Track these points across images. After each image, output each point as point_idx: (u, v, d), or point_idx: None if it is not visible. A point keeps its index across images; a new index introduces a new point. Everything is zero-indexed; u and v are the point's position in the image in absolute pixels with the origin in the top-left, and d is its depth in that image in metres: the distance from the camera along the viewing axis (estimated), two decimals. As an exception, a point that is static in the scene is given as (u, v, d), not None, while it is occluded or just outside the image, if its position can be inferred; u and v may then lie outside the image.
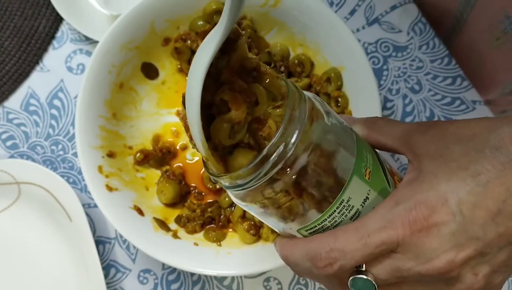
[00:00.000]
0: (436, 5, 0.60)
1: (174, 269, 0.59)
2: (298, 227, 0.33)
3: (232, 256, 0.53)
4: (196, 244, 0.54)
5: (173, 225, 0.55)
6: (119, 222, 0.52)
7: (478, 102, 0.59)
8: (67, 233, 0.58)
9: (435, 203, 0.29)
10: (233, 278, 0.58)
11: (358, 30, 0.62)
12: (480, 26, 0.55)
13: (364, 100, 0.54)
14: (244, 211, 0.54)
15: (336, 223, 0.33)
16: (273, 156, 0.30)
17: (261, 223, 0.53)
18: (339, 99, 0.54)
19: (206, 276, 0.59)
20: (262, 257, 0.52)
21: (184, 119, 0.31)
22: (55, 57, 0.63)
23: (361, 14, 0.62)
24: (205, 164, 0.33)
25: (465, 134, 0.31)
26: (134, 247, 0.59)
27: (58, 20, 0.64)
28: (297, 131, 0.30)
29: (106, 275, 0.59)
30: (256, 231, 0.53)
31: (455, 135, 0.31)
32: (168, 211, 0.56)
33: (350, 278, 0.31)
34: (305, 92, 0.33)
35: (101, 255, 0.59)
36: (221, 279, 0.58)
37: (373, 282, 0.31)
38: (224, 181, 0.32)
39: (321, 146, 0.31)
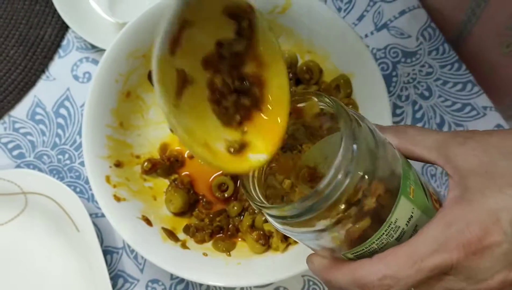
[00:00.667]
0: (442, 12, 0.60)
1: (183, 279, 0.58)
2: (344, 251, 0.33)
3: (241, 266, 0.52)
4: (205, 254, 0.53)
5: (181, 235, 0.54)
6: (128, 233, 0.51)
7: (489, 108, 0.58)
8: (74, 244, 0.57)
9: (487, 223, 0.29)
10: (242, 288, 0.58)
11: (366, 36, 0.61)
12: (488, 33, 0.55)
13: (374, 107, 0.53)
14: (253, 220, 0.53)
15: (383, 245, 0.32)
16: (329, 189, 0.29)
17: (271, 232, 0.52)
18: (350, 107, 0.54)
19: (215, 286, 0.58)
20: (272, 267, 0.51)
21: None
22: (61, 66, 0.63)
23: (370, 20, 0.61)
24: (245, 188, 0.32)
25: (509, 147, 0.31)
26: (142, 257, 0.58)
27: (64, 28, 0.63)
28: (353, 161, 0.29)
29: (114, 286, 0.58)
30: (266, 241, 0.52)
31: (499, 148, 0.31)
32: (176, 221, 0.55)
33: None
34: (350, 110, 0.32)
35: (108, 265, 0.59)
36: (230, 288, 0.58)
37: None
38: (271, 212, 0.31)
39: (375, 170, 0.30)
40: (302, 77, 0.56)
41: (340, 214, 0.30)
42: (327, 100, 0.32)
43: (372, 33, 0.61)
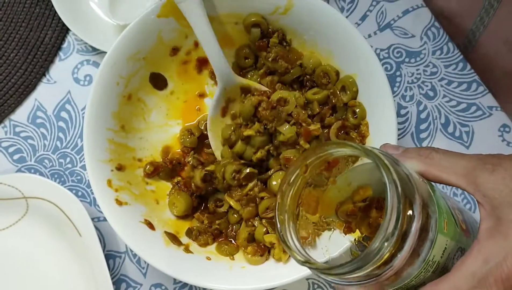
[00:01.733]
0: (451, 20, 0.59)
1: (186, 284, 0.58)
2: (384, 285, 0.33)
3: (246, 271, 0.52)
4: (208, 258, 0.52)
5: (184, 239, 0.54)
6: (130, 237, 0.51)
7: (494, 108, 0.58)
8: (76, 248, 0.57)
9: None
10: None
11: (370, 35, 0.60)
12: (495, 42, 0.54)
13: (378, 108, 0.52)
14: (249, 234, 0.53)
15: (421, 280, 0.32)
16: (377, 256, 0.29)
17: (272, 244, 0.52)
18: (356, 110, 0.53)
19: (219, 290, 0.57)
20: (277, 271, 0.51)
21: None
22: (62, 69, 0.63)
23: (373, 20, 0.61)
24: (285, 243, 0.33)
25: None
26: (145, 261, 0.58)
27: (64, 31, 0.63)
28: (395, 222, 0.29)
29: (116, 290, 0.58)
30: (263, 252, 0.52)
31: None
32: (179, 225, 0.55)
33: None
34: (385, 154, 0.32)
35: (111, 269, 0.58)
36: (234, 293, 0.57)
37: None
38: (330, 276, 0.31)
39: (416, 227, 0.30)
40: (320, 82, 0.55)
41: (387, 267, 0.30)
42: (369, 154, 0.31)
43: (375, 33, 0.60)
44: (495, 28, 0.54)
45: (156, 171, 0.56)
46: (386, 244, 0.29)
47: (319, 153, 0.33)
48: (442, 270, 0.33)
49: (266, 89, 0.54)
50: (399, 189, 0.29)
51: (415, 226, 0.29)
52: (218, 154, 0.55)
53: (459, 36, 0.59)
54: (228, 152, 0.53)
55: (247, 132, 0.52)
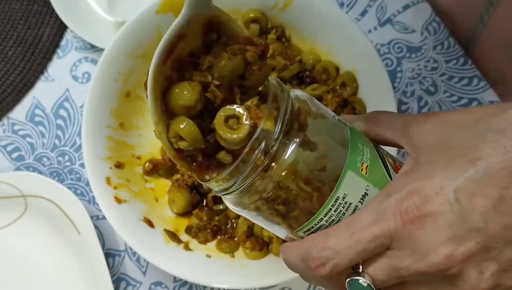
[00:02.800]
0: (454, 19, 0.58)
1: (186, 282, 0.57)
2: (294, 229, 0.32)
3: (246, 268, 0.51)
4: (208, 256, 0.52)
5: (184, 237, 0.53)
6: (129, 235, 0.50)
7: (495, 103, 0.57)
8: (75, 247, 0.56)
9: (428, 191, 0.27)
10: (247, 289, 0.57)
11: (370, 31, 0.60)
12: (495, 40, 0.54)
13: (378, 104, 0.52)
14: (248, 227, 0.52)
15: (334, 222, 0.31)
16: (255, 153, 0.28)
17: (270, 238, 0.51)
18: (356, 106, 0.52)
19: (219, 288, 0.57)
20: (277, 268, 0.50)
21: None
22: (60, 66, 0.62)
23: (373, 15, 0.60)
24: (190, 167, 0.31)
25: (467, 120, 0.29)
26: (145, 259, 0.57)
27: (62, 28, 0.62)
28: (280, 123, 0.29)
29: (116, 289, 0.57)
30: (261, 247, 0.51)
31: (456, 122, 0.29)
32: (179, 222, 0.54)
33: (347, 280, 0.29)
34: (294, 90, 0.32)
35: (110, 268, 0.58)
36: (234, 290, 0.57)
37: (370, 284, 0.29)
38: (212, 186, 0.31)
39: (308, 140, 0.29)
40: (319, 78, 0.54)
41: (272, 188, 0.29)
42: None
43: (375, 28, 0.60)
44: (496, 27, 0.53)
45: (155, 169, 0.56)
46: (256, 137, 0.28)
47: None
48: None
49: (252, 37, 0.33)
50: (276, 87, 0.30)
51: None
52: (161, 129, 0.30)
53: (459, 34, 0.59)
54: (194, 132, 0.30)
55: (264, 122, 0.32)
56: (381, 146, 0.34)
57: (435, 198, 0.27)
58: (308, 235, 0.32)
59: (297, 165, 0.29)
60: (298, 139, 0.29)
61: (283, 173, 0.29)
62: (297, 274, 0.47)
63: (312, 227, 0.31)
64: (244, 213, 0.32)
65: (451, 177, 0.27)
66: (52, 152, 0.61)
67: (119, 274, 0.58)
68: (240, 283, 0.50)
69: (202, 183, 0.31)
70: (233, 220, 0.54)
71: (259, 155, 0.29)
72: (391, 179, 0.32)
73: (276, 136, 0.29)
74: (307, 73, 0.55)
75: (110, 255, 0.58)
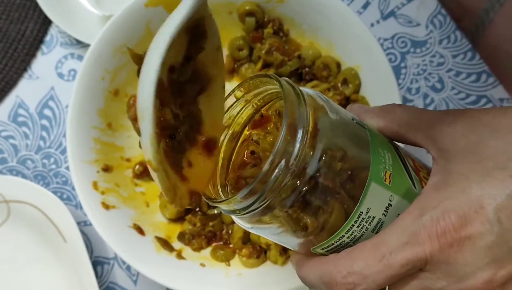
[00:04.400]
0: (460, 3, 0.55)
1: (180, 291, 0.54)
2: (312, 245, 0.29)
3: (243, 278, 0.48)
4: (202, 265, 0.49)
5: (177, 244, 0.50)
6: (118, 243, 0.47)
7: (506, 100, 0.54)
8: (61, 255, 0.53)
9: (467, 210, 0.24)
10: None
11: (372, 25, 0.57)
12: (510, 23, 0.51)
13: (383, 102, 0.48)
14: (244, 233, 0.49)
15: (356, 238, 0.28)
16: (273, 175, 0.25)
17: (268, 245, 0.48)
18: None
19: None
20: (277, 278, 0.48)
21: (134, 112, 0.27)
22: (45, 63, 0.59)
23: (375, 7, 0.57)
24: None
25: (503, 125, 0.26)
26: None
27: (46, 23, 0.59)
28: (298, 142, 0.26)
29: (105, 299, 0.54)
30: (258, 254, 0.48)
31: (490, 126, 0.26)
32: (171, 229, 0.51)
33: None
34: (304, 88, 0.28)
35: (99, 277, 0.55)
36: (230, 300, 0.54)
37: None
38: (223, 206, 0.28)
39: (329, 153, 0.26)
40: (320, 75, 0.51)
41: (291, 203, 0.26)
42: (275, 81, 0.28)
43: (378, 21, 0.57)
44: (507, 13, 0.50)
45: (146, 171, 0.52)
46: (281, 161, 0.25)
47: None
48: None
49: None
50: (299, 102, 0.26)
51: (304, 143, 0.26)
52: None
53: (468, 21, 0.55)
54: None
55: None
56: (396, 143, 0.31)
57: (475, 217, 0.24)
58: (328, 252, 0.29)
59: (319, 178, 0.26)
60: (318, 152, 0.26)
61: (304, 189, 0.26)
62: (298, 284, 0.45)
63: (332, 244, 0.28)
64: (255, 230, 0.29)
65: (491, 194, 0.24)
66: (36, 154, 0.57)
67: (108, 283, 0.55)
68: (236, 294, 0.47)
69: (210, 203, 0.28)
70: (228, 226, 0.51)
71: (279, 174, 0.25)
72: (414, 185, 0.29)
73: (296, 154, 0.26)
74: (307, 69, 0.52)
75: (98, 263, 0.55)
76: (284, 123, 0.25)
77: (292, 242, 0.30)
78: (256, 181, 0.25)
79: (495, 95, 0.54)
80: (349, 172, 0.27)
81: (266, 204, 0.26)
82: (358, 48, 0.49)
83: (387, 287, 0.27)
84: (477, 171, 0.25)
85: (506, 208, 0.24)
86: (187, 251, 0.50)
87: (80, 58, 0.59)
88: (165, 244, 0.49)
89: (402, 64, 0.56)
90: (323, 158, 0.26)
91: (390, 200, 0.28)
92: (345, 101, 0.50)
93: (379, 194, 0.27)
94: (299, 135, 0.26)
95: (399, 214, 0.27)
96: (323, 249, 0.29)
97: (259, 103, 0.31)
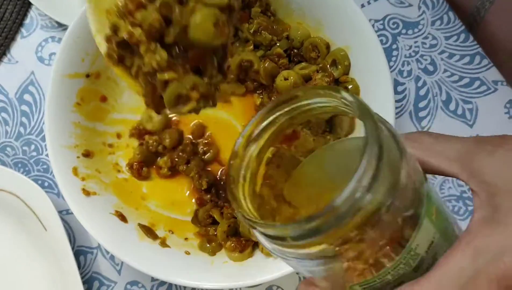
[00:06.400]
0: (452, 1, 0.54)
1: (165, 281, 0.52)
2: (351, 282, 0.27)
3: (228, 265, 0.47)
4: (187, 253, 0.47)
5: (160, 232, 0.49)
6: (99, 231, 0.46)
7: (500, 82, 0.53)
8: (42, 244, 0.51)
9: None
10: (231, 289, 0.52)
11: (363, 5, 0.55)
12: (503, 18, 0.49)
13: (373, 84, 0.47)
14: (229, 227, 0.47)
15: (399, 275, 0.26)
16: (346, 206, 0.22)
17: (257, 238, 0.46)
18: (349, 87, 0.47)
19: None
20: (263, 265, 0.46)
21: None
22: (24, 47, 0.57)
23: (366, -12, 0.55)
24: (233, 196, 0.25)
25: None
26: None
27: (26, 5, 0.57)
28: (378, 175, 0.23)
29: (88, 289, 0.52)
30: (243, 248, 0.46)
31: None
32: (154, 216, 0.50)
33: None
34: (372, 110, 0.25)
35: (82, 267, 0.53)
36: (218, 290, 0.52)
37: None
38: (268, 231, 0.24)
39: (398, 187, 0.24)
40: (308, 57, 0.49)
41: (353, 238, 0.23)
42: (347, 98, 0.25)
43: (369, 2, 0.55)
44: (499, 11, 0.49)
45: (142, 135, 0.51)
46: (358, 194, 0.22)
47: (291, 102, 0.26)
48: (426, 270, 0.26)
49: None
50: (379, 131, 0.23)
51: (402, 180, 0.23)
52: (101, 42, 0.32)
53: (463, 13, 0.54)
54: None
55: None
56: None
57: None
58: (365, 289, 0.27)
59: (383, 216, 0.23)
60: (390, 185, 0.23)
61: (362, 228, 0.23)
62: (285, 271, 0.43)
63: (375, 281, 0.26)
64: (285, 259, 0.26)
65: None
66: (16, 141, 0.55)
67: (91, 273, 0.53)
68: (223, 282, 0.45)
69: (249, 225, 0.25)
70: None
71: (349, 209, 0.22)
72: (449, 223, 0.28)
73: (370, 185, 0.22)
74: (295, 51, 0.50)
75: (81, 253, 0.53)
76: (368, 149, 0.22)
77: (323, 276, 0.27)
78: (329, 209, 0.22)
79: (488, 77, 0.53)
80: (408, 207, 0.25)
81: (324, 237, 0.23)
82: (348, 29, 0.48)
83: None
84: None
85: None
86: (171, 238, 0.49)
87: (61, 41, 0.57)
88: (149, 231, 0.48)
89: (394, 46, 0.54)
90: (393, 191, 0.23)
91: (434, 237, 0.26)
92: (334, 83, 0.48)
93: (428, 230, 0.26)
94: (380, 164, 0.23)
95: (436, 253, 0.26)
96: (362, 286, 0.27)
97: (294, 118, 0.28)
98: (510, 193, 0.24)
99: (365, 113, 0.24)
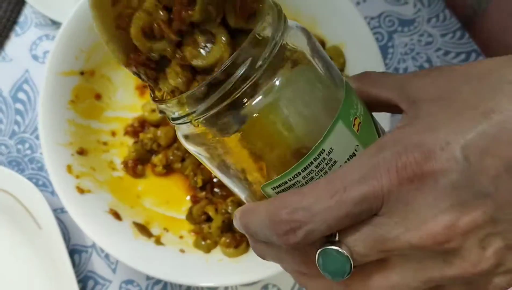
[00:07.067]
0: None
1: (160, 279, 0.52)
2: (261, 183, 0.26)
3: (223, 263, 0.47)
4: (182, 251, 0.47)
5: (155, 230, 0.48)
6: (93, 229, 0.46)
7: (495, 80, 0.53)
8: (36, 243, 0.51)
9: (432, 146, 0.22)
10: (226, 287, 0.52)
11: (358, 3, 0.55)
12: (503, 13, 0.49)
13: (368, 81, 0.47)
14: (223, 222, 0.47)
15: (313, 180, 0.25)
16: (239, 71, 0.22)
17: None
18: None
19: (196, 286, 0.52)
20: (258, 263, 0.46)
21: None
22: (19, 45, 0.57)
23: (361, -15, 0.55)
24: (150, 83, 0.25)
25: (477, 72, 0.24)
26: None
27: (20, 3, 0.57)
28: (273, 43, 0.23)
29: (83, 288, 0.52)
30: (237, 243, 0.46)
31: (464, 74, 0.24)
32: (149, 214, 0.49)
33: (318, 250, 0.23)
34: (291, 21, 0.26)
35: (77, 265, 0.53)
36: (213, 288, 0.52)
37: (348, 256, 0.23)
38: (170, 107, 0.24)
39: (300, 71, 0.24)
40: None
41: (246, 113, 0.23)
42: None
43: (364, 0, 0.55)
44: (500, 3, 0.49)
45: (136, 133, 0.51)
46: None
47: None
48: None
49: None
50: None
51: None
52: None
53: (459, 12, 0.54)
54: None
55: None
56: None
57: (440, 154, 0.22)
58: (278, 193, 0.26)
59: (279, 102, 0.23)
60: (285, 75, 0.23)
61: (262, 107, 0.23)
62: (281, 269, 0.43)
63: (286, 182, 0.25)
64: (199, 153, 0.26)
65: (459, 131, 0.22)
66: (10, 139, 0.55)
67: (86, 272, 0.53)
68: (218, 280, 0.45)
69: (157, 104, 0.25)
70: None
71: (236, 80, 0.23)
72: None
73: (260, 63, 0.23)
74: None
75: (76, 252, 0.53)
76: (258, 26, 0.23)
77: (239, 181, 0.27)
78: (219, 71, 0.22)
79: (484, 74, 0.53)
80: (318, 101, 0.25)
81: (214, 112, 0.23)
82: (343, 25, 0.48)
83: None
84: (447, 110, 0.23)
85: (476, 146, 0.21)
86: (166, 236, 0.48)
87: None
88: (143, 229, 0.48)
89: (390, 44, 0.54)
90: (288, 80, 0.24)
91: (356, 150, 0.25)
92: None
93: (345, 137, 0.25)
94: (269, 46, 0.23)
95: None
96: (273, 188, 0.25)
97: None
98: (432, 103, 0.24)
99: None
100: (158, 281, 0.52)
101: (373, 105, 0.28)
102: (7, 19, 0.57)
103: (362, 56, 0.48)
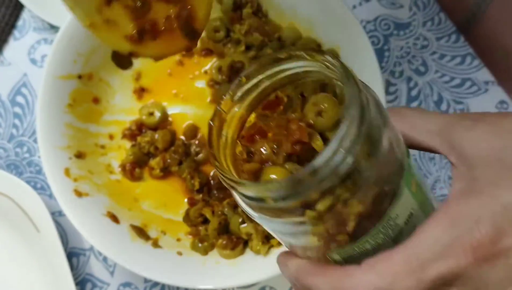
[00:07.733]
0: None
1: (158, 282, 0.52)
2: (329, 250, 0.26)
3: (221, 266, 0.47)
4: (179, 253, 0.47)
5: (152, 233, 0.49)
6: (91, 232, 0.46)
7: (490, 83, 0.53)
8: (34, 246, 0.51)
9: (501, 220, 0.23)
10: (224, 289, 0.52)
11: (354, 6, 0.55)
12: (503, 16, 0.49)
13: (364, 84, 0.47)
14: (219, 224, 0.47)
15: (377, 245, 0.26)
16: (328, 167, 0.22)
17: (249, 235, 0.46)
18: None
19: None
20: (256, 265, 0.46)
21: None
22: (17, 49, 0.57)
23: (357, -11, 0.56)
24: (214, 157, 0.25)
25: None
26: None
27: (18, 7, 0.57)
28: (360, 136, 0.22)
29: (81, 291, 0.53)
30: (234, 245, 0.46)
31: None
32: (146, 217, 0.50)
33: None
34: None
35: (75, 268, 0.53)
36: (210, 290, 0.52)
37: None
38: (248, 191, 0.24)
39: (379, 151, 0.24)
40: None
41: (335, 199, 0.23)
42: (330, 60, 0.24)
43: (360, 3, 0.55)
44: (499, 6, 0.49)
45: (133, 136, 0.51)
46: (340, 154, 0.22)
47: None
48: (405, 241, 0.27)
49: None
50: (362, 93, 0.23)
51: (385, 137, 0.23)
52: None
53: (459, 14, 0.54)
54: None
55: None
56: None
57: (509, 229, 0.23)
58: (344, 259, 0.26)
59: (364, 180, 0.23)
60: (371, 148, 0.23)
61: (346, 191, 0.23)
62: (278, 271, 0.43)
63: (354, 249, 0.26)
64: (263, 221, 0.26)
65: None
66: (9, 142, 0.55)
67: (84, 275, 0.53)
68: (215, 283, 0.46)
69: (228, 184, 0.24)
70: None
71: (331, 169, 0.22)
72: (428, 196, 0.28)
73: (353, 146, 0.22)
74: None
75: (74, 254, 0.53)
76: (352, 108, 0.22)
77: (302, 244, 0.27)
78: (307, 169, 0.22)
79: (479, 77, 0.53)
80: (390, 176, 0.25)
81: (306, 197, 0.23)
82: (338, 28, 0.48)
83: None
84: (506, 178, 0.24)
85: None
86: (164, 239, 0.49)
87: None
88: (141, 232, 0.48)
89: (385, 47, 0.55)
90: (375, 154, 0.24)
91: (413, 209, 0.26)
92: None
93: (407, 201, 0.26)
94: (363, 124, 0.23)
95: (415, 225, 0.26)
96: (340, 255, 0.26)
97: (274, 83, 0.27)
98: (488, 166, 0.24)
99: (348, 75, 0.24)
100: (155, 284, 0.52)
101: (412, 148, 0.28)
102: (6, 23, 0.57)
103: (358, 59, 0.48)
